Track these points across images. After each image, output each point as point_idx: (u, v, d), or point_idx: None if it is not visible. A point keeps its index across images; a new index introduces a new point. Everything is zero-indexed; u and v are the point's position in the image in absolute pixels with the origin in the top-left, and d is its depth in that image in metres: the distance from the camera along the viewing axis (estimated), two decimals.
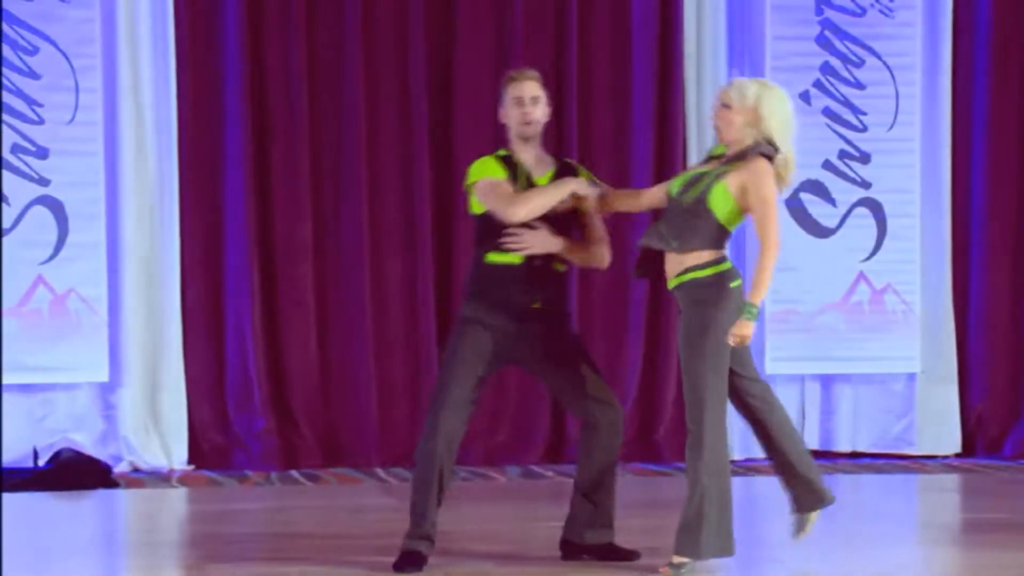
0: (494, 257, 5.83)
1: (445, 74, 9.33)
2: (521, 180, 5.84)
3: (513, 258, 5.80)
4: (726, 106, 5.66)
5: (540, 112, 5.89)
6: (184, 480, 8.67)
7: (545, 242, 5.75)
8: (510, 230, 5.71)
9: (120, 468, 8.77)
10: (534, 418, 9.43)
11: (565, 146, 9.26)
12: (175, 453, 9.00)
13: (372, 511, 7.63)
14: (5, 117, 8.80)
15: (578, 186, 5.84)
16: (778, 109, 5.63)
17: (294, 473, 8.94)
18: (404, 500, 7.83)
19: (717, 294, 5.54)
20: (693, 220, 5.59)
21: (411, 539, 5.83)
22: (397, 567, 5.73)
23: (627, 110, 9.50)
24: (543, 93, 5.90)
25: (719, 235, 5.62)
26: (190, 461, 9.02)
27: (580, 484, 5.97)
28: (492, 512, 7.65)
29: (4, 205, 8.80)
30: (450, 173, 9.22)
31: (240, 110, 9.07)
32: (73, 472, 8.48)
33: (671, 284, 5.65)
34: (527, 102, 5.87)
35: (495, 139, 9.20)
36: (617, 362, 9.45)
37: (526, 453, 9.37)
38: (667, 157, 9.47)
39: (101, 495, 8.19)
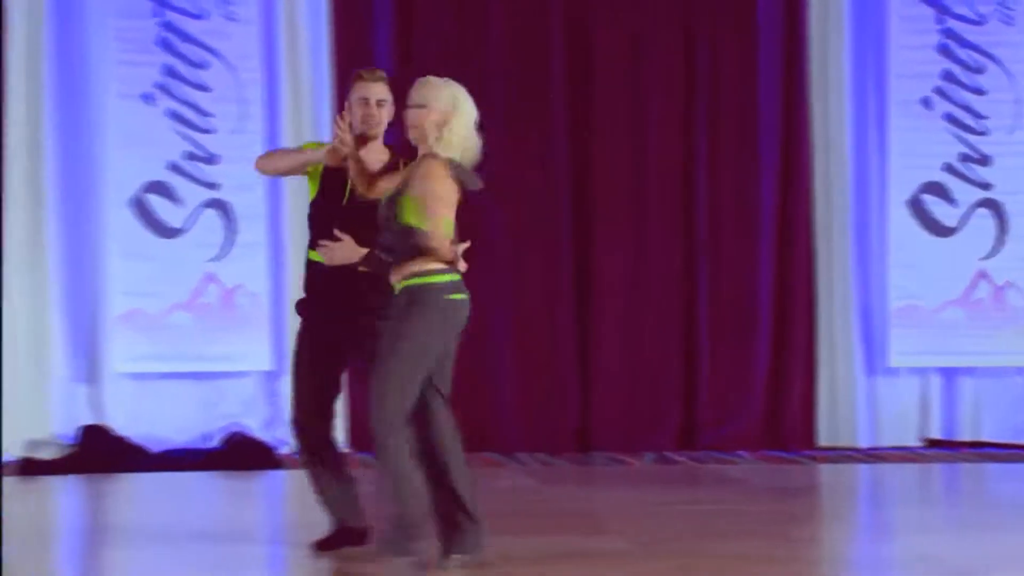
0: (313, 255, 5.67)
1: (585, 89, 9.38)
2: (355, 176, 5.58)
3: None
4: (421, 106, 5.35)
5: (384, 114, 5.71)
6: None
7: (346, 253, 5.38)
8: (321, 241, 5.45)
9: (284, 451, 8.85)
10: (667, 407, 9.46)
11: (694, 166, 9.33)
12: (336, 436, 9.14)
13: (513, 492, 7.69)
14: (181, 128, 9.02)
15: (331, 148, 5.56)
16: (468, 110, 5.44)
17: None
18: (544, 482, 7.97)
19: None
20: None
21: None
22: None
23: (753, 118, 9.49)
24: (389, 96, 5.72)
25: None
26: (349, 444, 9.12)
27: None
28: (629, 495, 7.69)
29: (177, 205, 9.00)
30: (588, 175, 9.29)
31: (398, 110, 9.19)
32: (242, 454, 8.65)
33: None
34: (372, 104, 5.70)
35: (632, 145, 9.35)
36: (745, 355, 9.46)
37: (661, 439, 9.40)
38: (792, 173, 9.48)
39: (267, 476, 8.33)
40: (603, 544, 6.06)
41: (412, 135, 5.36)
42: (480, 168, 9.38)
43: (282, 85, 9.11)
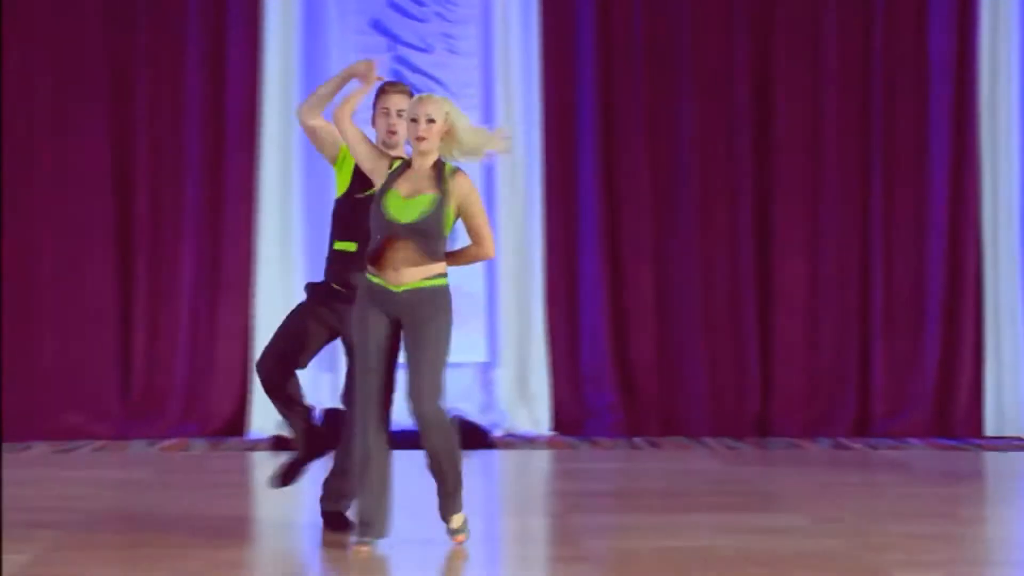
0: (339, 244, 5.57)
1: (767, 99, 9.27)
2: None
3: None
4: (431, 120, 5.24)
5: (404, 126, 5.46)
6: (548, 444, 8.78)
7: None
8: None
9: (497, 433, 8.89)
10: (842, 397, 9.29)
11: (869, 170, 9.14)
12: (540, 422, 9.05)
13: (701, 472, 7.64)
14: (406, 147, 9.09)
15: (359, 71, 5.42)
16: (462, 115, 5.31)
17: (636, 440, 8.96)
18: (728, 464, 7.89)
19: None
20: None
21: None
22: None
23: (924, 121, 9.25)
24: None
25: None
26: (553, 428, 9.16)
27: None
28: (806, 477, 7.57)
29: None
30: (769, 180, 9.19)
31: (591, 137, 9.17)
32: (460, 436, 8.70)
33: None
34: (393, 114, 5.52)
35: (813, 148, 9.20)
36: (916, 348, 9.24)
37: (836, 426, 9.23)
38: (963, 180, 9.22)
39: (482, 455, 8.34)
40: (782, 521, 5.99)
41: (424, 147, 5.25)
42: (674, 177, 9.45)
43: (497, 110, 9.13)
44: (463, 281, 9.03)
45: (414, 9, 9.08)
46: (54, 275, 8.88)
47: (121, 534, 5.54)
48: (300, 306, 5.72)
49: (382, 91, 5.57)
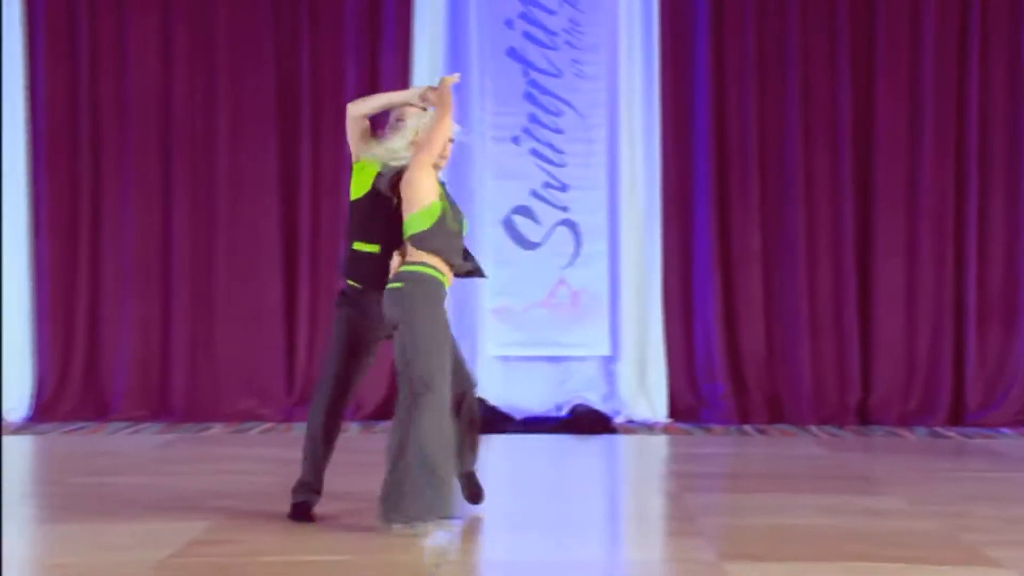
0: (359, 245, 5.31)
1: (867, 108, 9.14)
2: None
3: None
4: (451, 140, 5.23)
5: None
6: (664, 430, 8.77)
7: None
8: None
9: (618, 419, 8.91)
10: (938, 388, 9.12)
11: (964, 172, 8.97)
12: (658, 409, 9.04)
13: (805, 457, 7.58)
14: (540, 163, 9.15)
15: (422, 94, 5.28)
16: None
17: (746, 427, 8.90)
18: (831, 450, 7.79)
19: None
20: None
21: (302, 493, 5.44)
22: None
23: (1016, 121, 9.06)
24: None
25: None
26: (669, 416, 9.13)
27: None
28: (904, 463, 7.46)
29: (536, 224, 9.14)
30: (870, 185, 9.07)
31: (705, 153, 9.13)
32: (585, 422, 8.68)
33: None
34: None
35: (910, 156, 9.05)
36: (1009, 342, 9.05)
37: (932, 417, 9.07)
38: None
39: (605, 439, 8.38)
40: (882, 503, 5.91)
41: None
42: (781, 186, 9.38)
43: (620, 129, 9.14)
44: (589, 283, 9.09)
45: (546, 38, 9.12)
46: (229, 276, 9.08)
47: (285, 506, 5.64)
48: (342, 332, 5.38)
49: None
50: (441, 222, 5.14)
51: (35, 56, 9.00)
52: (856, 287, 9.15)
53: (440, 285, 5.17)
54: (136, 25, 9.02)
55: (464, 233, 5.32)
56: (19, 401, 8.93)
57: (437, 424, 5.00)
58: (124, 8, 9.04)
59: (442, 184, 5.32)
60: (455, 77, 5.25)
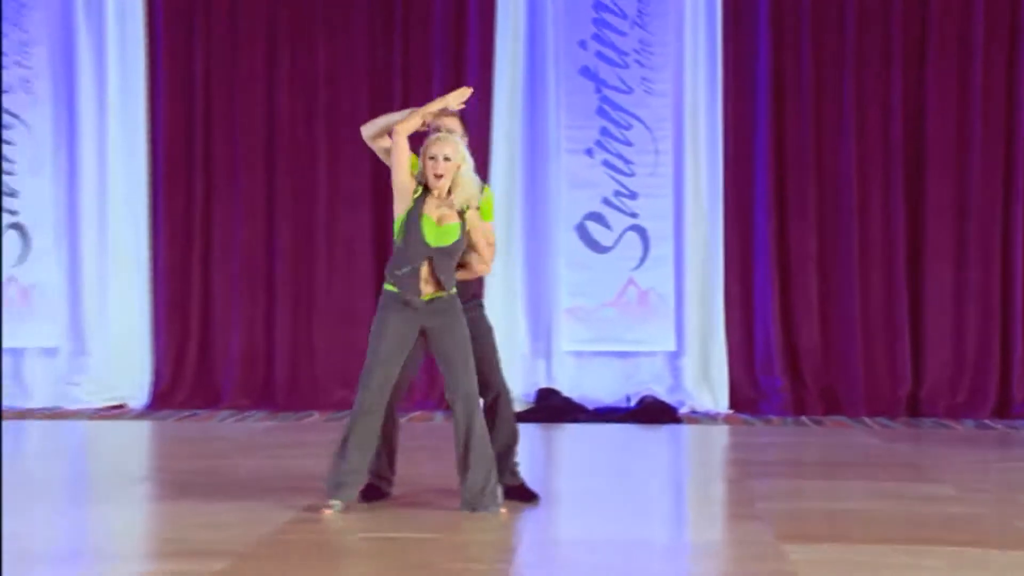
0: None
1: (918, 120, 9.00)
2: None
3: None
4: (447, 159, 5.03)
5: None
6: (726, 420, 8.66)
7: None
8: None
9: (683, 410, 8.80)
10: (985, 383, 8.94)
11: (1012, 180, 8.80)
12: (720, 401, 8.92)
13: (859, 446, 7.47)
14: (611, 173, 9.12)
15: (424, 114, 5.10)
16: (468, 166, 5.08)
17: (803, 418, 8.76)
18: (883, 440, 7.68)
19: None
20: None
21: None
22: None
23: None
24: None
25: None
26: (730, 407, 9.03)
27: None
28: (952, 453, 7.34)
29: (607, 229, 9.11)
30: (920, 195, 8.93)
31: (764, 163, 9.03)
32: (652, 412, 8.63)
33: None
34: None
35: (959, 168, 8.89)
36: None
37: (980, 409, 8.89)
38: None
39: (671, 429, 8.34)
40: (932, 489, 5.82)
41: (441, 183, 5.04)
42: (836, 194, 9.26)
43: (685, 141, 9.08)
44: (656, 284, 9.04)
45: (617, 57, 9.10)
46: (327, 280, 9.15)
47: None
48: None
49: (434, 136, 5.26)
50: (402, 230, 5.07)
51: (156, 79, 9.16)
52: (907, 288, 9.01)
53: (391, 295, 5.10)
54: (245, 52, 9.15)
55: (444, 243, 5.07)
56: (139, 390, 9.10)
57: (351, 420, 5.09)
58: (237, 36, 9.17)
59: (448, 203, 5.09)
60: (467, 91, 5.14)
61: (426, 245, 5.06)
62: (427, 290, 5.09)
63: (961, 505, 5.42)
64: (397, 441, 5.39)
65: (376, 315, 5.16)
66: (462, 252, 5.14)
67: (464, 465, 5.08)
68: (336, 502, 5.10)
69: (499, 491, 5.09)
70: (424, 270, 5.07)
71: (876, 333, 9.01)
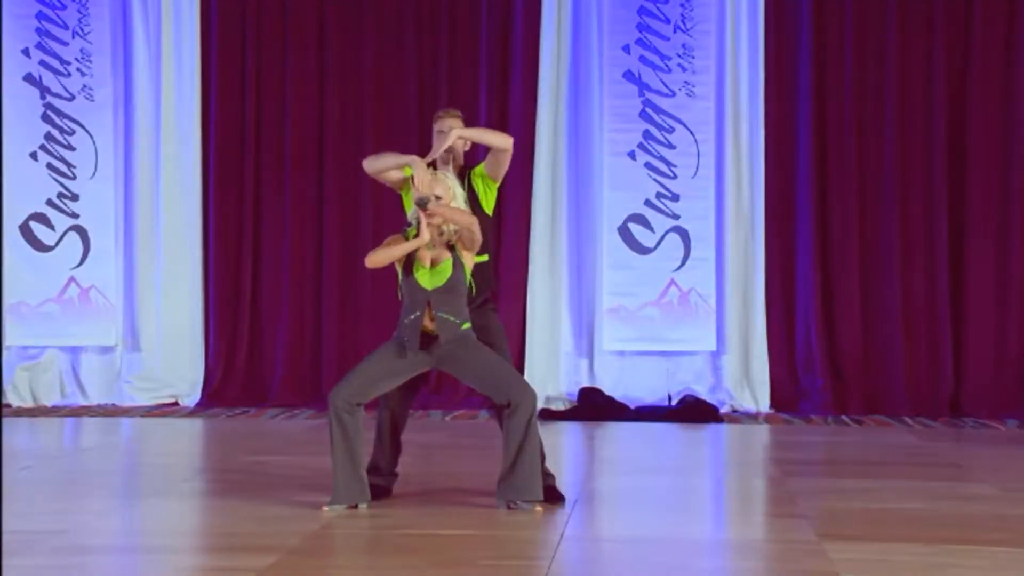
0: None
1: (960, 120, 8.88)
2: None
3: None
4: (439, 197, 5.03)
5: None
6: (767, 420, 8.62)
7: None
8: None
9: (724, 410, 8.78)
10: None
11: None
12: (761, 401, 8.90)
13: (899, 446, 7.41)
14: (653, 175, 9.03)
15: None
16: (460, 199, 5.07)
17: (843, 417, 8.69)
18: (924, 440, 7.58)
19: None
20: None
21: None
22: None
23: None
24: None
25: None
26: (771, 406, 8.98)
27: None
28: (993, 452, 7.23)
29: (649, 230, 9.05)
30: (962, 194, 8.81)
31: (806, 166, 8.99)
32: (693, 411, 8.60)
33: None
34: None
35: (1001, 170, 8.76)
36: None
37: (1021, 410, 8.74)
38: None
39: (712, 428, 8.29)
40: (974, 489, 5.73)
41: (434, 220, 5.07)
42: (878, 195, 9.18)
43: (727, 144, 9.05)
44: (697, 284, 8.99)
45: (660, 62, 9.06)
46: (373, 281, 9.13)
47: (423, 484, 5.68)
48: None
49: (437, 116, 5.30)
50: (401, 287, 5.20)
51: (209, 85, 9.25)
52: (948, 288, 8.92)
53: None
54: (295, 58, 9.21)
55: (439, 283, 5.10)
56: (192, 388, 9.16)
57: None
58: (287, 42, 9.23)
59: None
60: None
61: (424, 290, 5.14)
62: (430, 327, 5.13)
63: (1003, 504, 5.33)
64: (400, 437, 5.41)
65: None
66: (460, 284, 5.11)
67: (508, 461, 5.06)
68: (336, 505, 5.13)
69: (539, 489, 5.07)
70: (426, 314, 5.14)
71: (917, 333, 8.93)
